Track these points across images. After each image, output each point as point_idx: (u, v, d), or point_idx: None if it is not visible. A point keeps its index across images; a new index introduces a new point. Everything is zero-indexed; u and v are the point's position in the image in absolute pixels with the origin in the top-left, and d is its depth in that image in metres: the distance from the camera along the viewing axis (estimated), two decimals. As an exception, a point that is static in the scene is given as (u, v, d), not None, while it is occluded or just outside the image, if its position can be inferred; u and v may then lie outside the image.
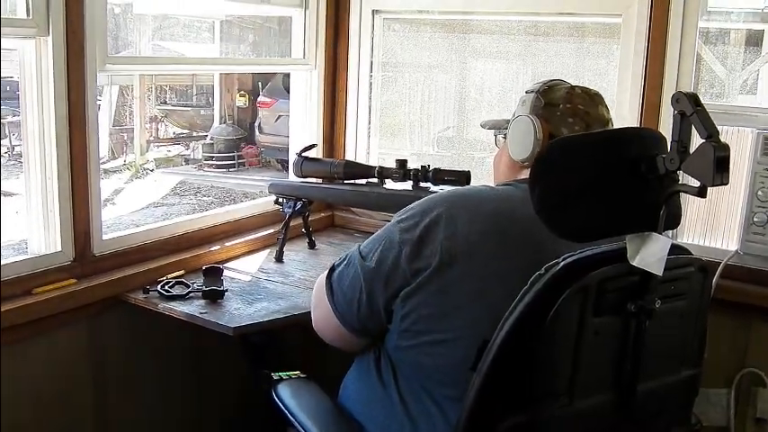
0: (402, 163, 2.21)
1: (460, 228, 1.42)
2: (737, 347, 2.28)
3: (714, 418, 2.29)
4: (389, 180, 2.24)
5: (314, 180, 2.42)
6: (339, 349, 1.69)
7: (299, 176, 2.41)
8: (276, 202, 2.48)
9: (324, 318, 1.64)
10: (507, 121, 1.70)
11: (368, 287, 1.52)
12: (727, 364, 2.29)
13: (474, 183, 2.17)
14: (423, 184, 2.18)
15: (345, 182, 2.33)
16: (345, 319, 1.58)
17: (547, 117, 1.57)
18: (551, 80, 1.65)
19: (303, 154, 2.39)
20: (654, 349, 1.31)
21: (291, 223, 2.45)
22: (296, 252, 2.52)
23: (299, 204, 2.43)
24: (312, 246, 2.58)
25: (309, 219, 2.58)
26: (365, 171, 2.29)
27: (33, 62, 1.89)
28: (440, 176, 2.15)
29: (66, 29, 1.89)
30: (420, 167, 2.17)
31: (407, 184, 2.21)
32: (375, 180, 2.27)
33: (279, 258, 2.42)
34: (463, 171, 2.13)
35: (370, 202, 2.31)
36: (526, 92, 1.64)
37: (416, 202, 1.52)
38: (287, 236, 2.44)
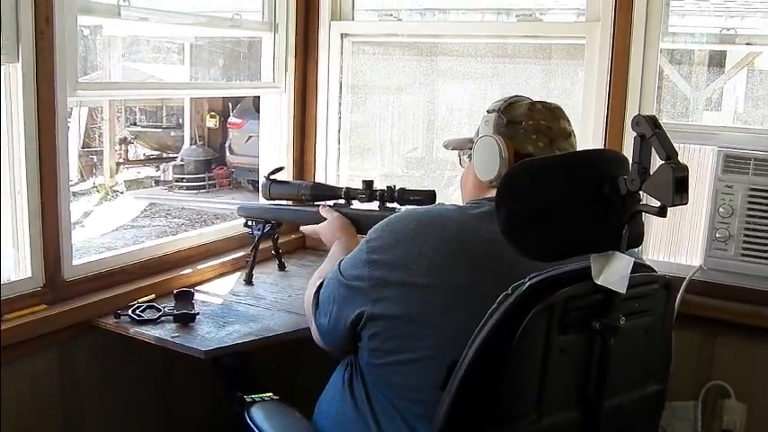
0: (368, 183, 2.22)
1: (426, 249, 1.44)
2: (703, 361, 2.32)
3: (681, 431, 2.33)
4: (356, 201, 2.26)
5: (283, 202, 2.43)
6: (311, 370, 1.71)
7: (267, 199, 2.42)
8: (245, 225, 2.48)
9: (312, 327, 1.70)
10: (470, 141, 1.72)
11: (339, 301, 1.56)
12: (694, 378, 2.33)
13: (444, 201, 2.20)
14: (389, 204, 2.20)
15: (314, 203, 2.34)
16: (320, 330, 1.63)
17: (510, 135, 1.58)
18: (511, 97, 1.66)
19: (271, 177, 2.41)
20: (619, 365, 1.32)
21: (261, 246, 2.47)
22: (267, 274, 2.53)
23: (267, 227, 2.44)
24: (282, 268, 2.59)
25: (280, 241, 2.59)
26: (332, 192, 2.31)
27: (2, 88, 1.89)
28: (406, 196, 2.17)
29: (35, 55, 1.89)
30: (386, 188, 2.19)
31: (374, 204, 2.23)
32: (342, 201, 2.29)
33: (248, 281, 2.43)
34: (428, 190, 2.16)
35: None
36: (488, 111, 1.65)
37: (384, 222, 1.55)
38: (256, 258, 2.45)
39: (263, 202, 2.48)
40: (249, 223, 2.47)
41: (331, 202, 2.31)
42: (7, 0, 1.83)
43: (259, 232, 2.44)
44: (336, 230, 2.08)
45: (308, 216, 2.34)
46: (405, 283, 1.44)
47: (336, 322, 1.57)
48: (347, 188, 2.27)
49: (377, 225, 1.55)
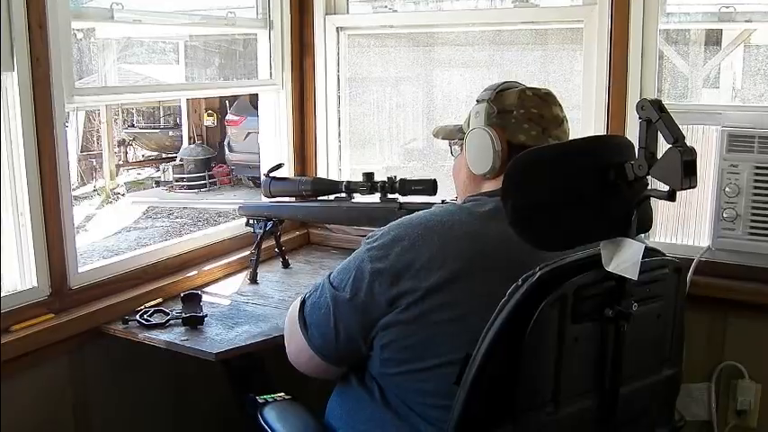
0: (369, 176, 2.21)
1: (435, 254, 1.41)
2: (714, 342, 2.31)
3: (696, 413, 2.32)
4: (358, 194, 2.25)
5: (284, 199, 2.43)
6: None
7: (268, 197, 2.41)
8: (247, 223, 2.48)
9: (298, 350, 1.63)
10: (459, 130, 1.69)
11: (344, 318, 1.51)
12: (706, 359, 2.32)
13: (445, 192, 2.18)
14: (390, 196, 2.19)
15: (316, 198, 2.34)
16: (321, 351, 1.57)
17: (502, 125, 1.55)
18: (501, 84, 1.62)
19: (271, 174, 2.40)
20: (634, 352, 1.32)
21: (264, 244, 2.46)
22: (273, 273, 2.52)
23: (269, 224, 2.43)
24: (286, 265, 2.58)
25: (283, 238, 2.59)
26: (333, 186, 2.30)
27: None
28: (407, 187, 2.15)
29: (31, 63, 1.88)
30: (387, 179, 2.17)
31: (376, 197, 2.22)
32: (344, 195, 2.28)
33: (253, 279, 2.42)
34: (429, 179, 2.14)
35: (339, 216, 2.32)
36: (477, 101, 1.61)
37: (386, 228, 1.50)
38: (260, 256, 2.44)
39: (264, 199, 2.47)
40: (251, 222, 2.46)
41: (332, 197, 2.31)
42: (-1, 9, 1.82)
43: (261, 230, 2.43)
44: None
45: (310, 211, 2.34)
46: (415, 290, 1.40)
47: (350, 341, 1.51)
48: (348, 182, 2.26)
49: (377, 232, 1.51)
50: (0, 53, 1.81)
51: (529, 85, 1.62)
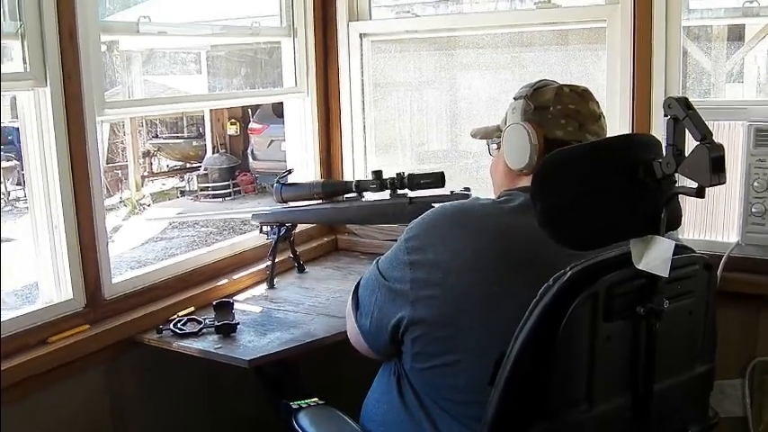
0: (378, 174, 2.26)
1: (466, 246, 1.43)
2: (747, 338, 2.29)
3: (730, 410, 2.31)
4: (368, 191, 2.28)
5: (300, 204, 2.45)
6: (354, 372, 1.71)
7: (280, 202, 2.45)
8: (261, 231, 2.51)
9: (351, 327, 1.68)
10: (497, 129, 1.71)
11: (378, 301, 1.55)
12: (739, 355, 2.30)
13: (472, 192, 2.20)
14: (400, 191, 2.22)
15: (330, 200, 2.37)
16: (363, 331, 1.62)
17: (539, 121, 1.56)
18: (538, 82, 1.64)
19: (281, 180, 2.43)
20: (666, 349, 1.32)
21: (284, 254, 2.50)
22: (301, 279, 2.54)
23: (283, 229, 2.46)
24: (301, 270, 2.60)
25: (311, 244, 2.62)
26: (344, 187, 2.35)
27: (33, 112, 1.91)
28: (415, 181, 2.20)
29: (62, 78, 1.91)
30: (396, 175, 2.22)
31: (386, 194, 2.26)
32: (354, 194, 2.30)
33: (271, 285, 2.44)
34: (437, 172, 2.18)
35: (350, 215, 2.37)
36: (514, 98, 1.63)
37: (421, 220, 1.53)
38: (275, 262, 2.47)
39: (277, 206, 2.50)
40: (264, 229, 2.50)
41: (344, 197, 2.34)
42: (32, 25, 1.85)
43: (275, 236, 2.46)
44: None
45: (321, 213, 2.36)
46: (446, 283, 1.42)
47: (379, 325, 1.55)
48: (358, 181, 2.31)
49: (415, 222, 1.54)
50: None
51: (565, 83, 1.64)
